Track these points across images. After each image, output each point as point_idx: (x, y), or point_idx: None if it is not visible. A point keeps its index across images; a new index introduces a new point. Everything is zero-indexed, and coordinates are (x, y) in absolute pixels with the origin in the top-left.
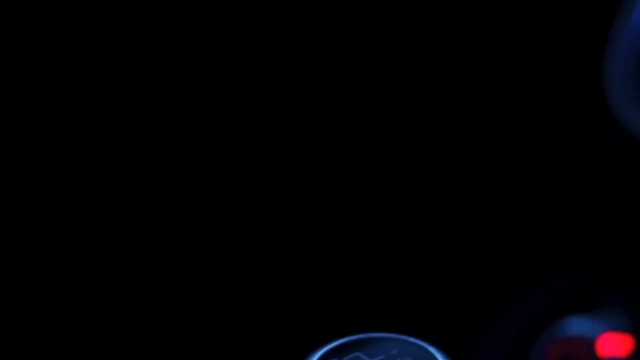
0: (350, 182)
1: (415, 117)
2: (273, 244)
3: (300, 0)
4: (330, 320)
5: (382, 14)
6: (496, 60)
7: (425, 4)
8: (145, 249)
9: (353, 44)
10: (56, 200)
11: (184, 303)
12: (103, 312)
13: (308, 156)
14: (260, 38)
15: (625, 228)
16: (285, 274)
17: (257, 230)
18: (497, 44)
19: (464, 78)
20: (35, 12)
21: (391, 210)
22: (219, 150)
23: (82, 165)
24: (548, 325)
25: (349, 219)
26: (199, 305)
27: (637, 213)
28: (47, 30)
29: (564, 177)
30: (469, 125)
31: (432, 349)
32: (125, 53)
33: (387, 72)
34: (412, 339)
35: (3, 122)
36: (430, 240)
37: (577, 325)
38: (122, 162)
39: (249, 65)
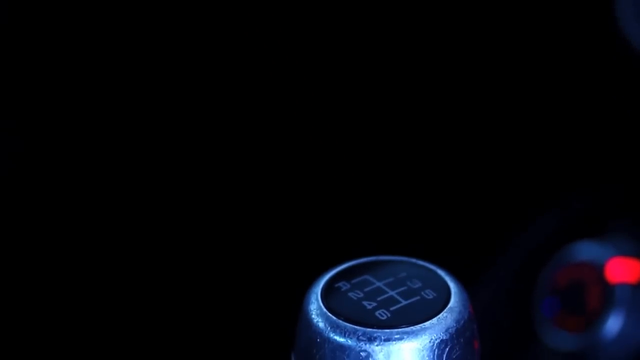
0: (357, 114)
1: (419, 51)
2: (283, 171)
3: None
4: (339, 245)
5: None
6: None
7: None
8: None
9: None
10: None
11: (189, 228)
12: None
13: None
14: (256, 36)
15: (634, 152)
16: (294, 200)
17: (265, 158)
18: None
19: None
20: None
21: (399, 136)
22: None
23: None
24: (556, 250)
25: (358, 146)
26: (209, 235)
27: None
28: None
29: (572, 103)
30: (479, 50)
31: (440, 272)
32: (122, 51)
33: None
34: (421, 262)
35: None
36: (440, 165)
37: (585, 251)
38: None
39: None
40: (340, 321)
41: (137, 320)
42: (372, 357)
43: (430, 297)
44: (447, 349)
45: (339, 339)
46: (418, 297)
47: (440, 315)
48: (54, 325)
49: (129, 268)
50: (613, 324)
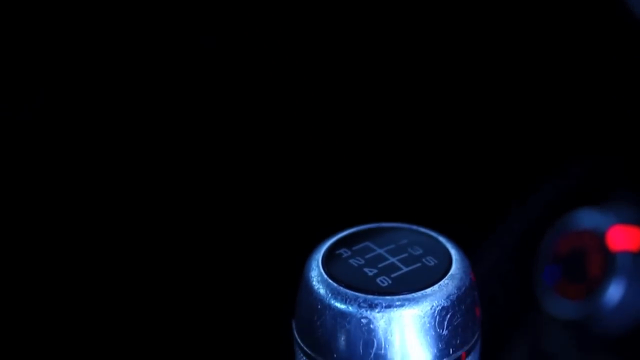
0: (358, 82)
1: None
2: (284, 138)
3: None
4: (340, 212)
5: None
6: None
7: None
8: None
9: None
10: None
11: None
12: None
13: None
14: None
15: (636, 121)
16: (296, 167)
17: (267, 126)
18: None
19: None
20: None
21: (400, 104)
22: None
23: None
24: (558, 218)
25: (359, 113)
26: (210, 201)
27: None
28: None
29: (574, 72)
30: (477, 17)
31: (441, 239)
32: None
33: None
34: (422, 229)
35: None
36: (442, 133)
37: (587, 218)
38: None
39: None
40: (341, 288)
41: (137, 292)
42: (373, 323)
43: (432, 264)
44: (448, 315)
45: (340, 305)
46: (419, 264)
47: (441, 282)
48: (48, 318)
49: (125, 233)
50: (614, 292)
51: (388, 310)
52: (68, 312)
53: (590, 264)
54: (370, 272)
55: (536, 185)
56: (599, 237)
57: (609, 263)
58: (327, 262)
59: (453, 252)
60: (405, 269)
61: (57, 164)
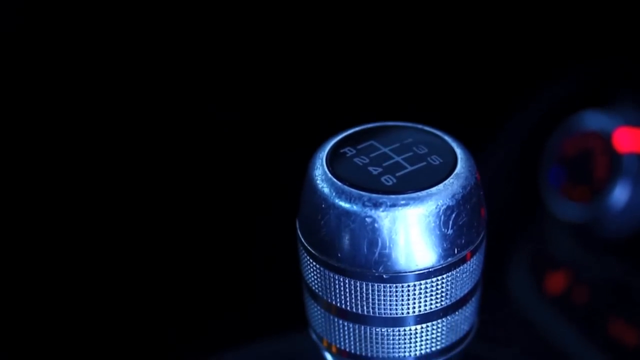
0: None
1: None
2: (288, 38)
3: None
4: (344, 110)
5: None
6: None
7: None
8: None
9: None
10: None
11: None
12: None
13: None
14: None
15: None
16: (301, 67)
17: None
18: None
19: None
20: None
21: (406, 3)
22: None
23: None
24: (563, 120)
25: (362, 10)
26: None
27: None
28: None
29: None
30: None
31: (447, 138)
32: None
33: None
34: (428, 127)
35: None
36: (448, 32)
37: (593, 120)
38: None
39: None
40: (346, 187)
41: (142, 222)
42: (377, 222)
43: (437, 162)
44: (454, 215)
45: (344, 204)
46: (424, 163)
47: (446, 181)
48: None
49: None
50: (620, 194)
51: (393, 209)
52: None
53: (595, 166)
54: (374, 170)
55: (542, 87)
56: (605, 139)
57: (615, 165)
58: (331, 160)
59: (458, 151)
60: (410, 168)
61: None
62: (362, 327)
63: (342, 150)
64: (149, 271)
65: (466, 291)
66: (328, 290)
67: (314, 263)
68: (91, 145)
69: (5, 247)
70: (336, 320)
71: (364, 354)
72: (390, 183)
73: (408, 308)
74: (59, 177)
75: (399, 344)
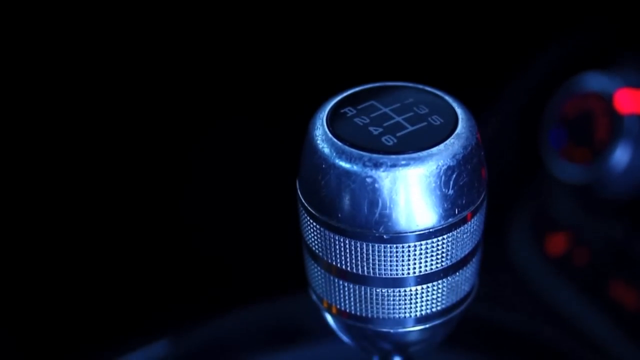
0: None
1: None
2: (288, 4)
3: None
4: (345, 71)
5: None
6: None
7: None
8: None
9: None
10: None
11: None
12: None
13: None
14: None
15: None
16: (301, 27)
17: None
18: None
19: None
20: None
21: None
22: None
23: None
24: (565, 81)
25: None
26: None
27: None
28: None
29: None
30: None
31: (447, 98)
32: None
33: None
34: (428, 88)
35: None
36: None
37: (594, 81)
38: None
39: None
40: (346, 147)
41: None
42: (377, 183)
43: (438, 123)
44: (454, 175)
45: (345, 164)
46: (425, 123)
47: (447, 141)
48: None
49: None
50: (621, 155)
51: (393, 169)
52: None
53: (596, 127)
54: (375, 130)
55: (543, 48)
56: (606, 100)
57: (616, 126)
58: (331, 120)
59: (459, 112)
60: (410, 128)
61: None
62: (363, 288)
63: (342, 111)
64: (149, 233)
65: (467, 252)
66: (328, 251)
67: (315, 224)
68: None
69: None
70: (336, 281)
71: (364, 314)
72: (391, 143)
73: (408, 268)
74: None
75: (399, 304)
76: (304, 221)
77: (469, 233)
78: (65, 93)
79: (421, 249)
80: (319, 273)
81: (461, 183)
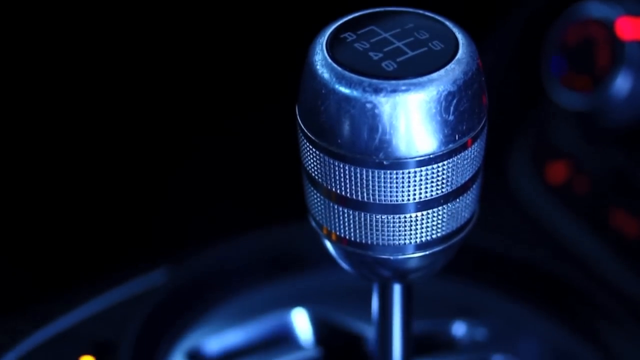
0: None
1: None
2: None
3: None
4: None
5: None
6: None
7: None
8: None
9: None
10: None
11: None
12: None
13: None
14: None
15: None
16: None
17: None
18: None
19: None
20: None
21: None
22: None
23: None
24: (565, 7)
25: None
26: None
27: None
28: None
29: None
30: None
31: (448, 23)
32: None
33: None
34: (429, 13)
35: None
36: None
37: (595, 8)
38: None
39: None
40: (346, 72)
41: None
42: (377, 108)
43: (438, 48)
44: (455, 101)
45: (344, 90)
46: (425, 49)
47: (447, 67)
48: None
49: None
50: (622, 83)
51: (393, 94)
52: None
53: (598, 55)
54: (375, 56)
55: None
56: (608, 27)
57: (618, 53)
58: (331, 46)
59: (460, 37)
60: (411, 53)
61: None
62: (362, 214)
63: (342, 36)
64: (151, 161)
65: (467, 178)
66: (328, 177)
67: (314, 149)
68: None
69: None
70: (336, 207)
71: (363, 241)
72: (391, 68)
73: (408, 195)
74: None
75: (399, 231)
76: (303, 147)
77: (469, 159)
78: (60, 89)
79: (421, 175)
80: (319, 199)
81: (461, 109)
